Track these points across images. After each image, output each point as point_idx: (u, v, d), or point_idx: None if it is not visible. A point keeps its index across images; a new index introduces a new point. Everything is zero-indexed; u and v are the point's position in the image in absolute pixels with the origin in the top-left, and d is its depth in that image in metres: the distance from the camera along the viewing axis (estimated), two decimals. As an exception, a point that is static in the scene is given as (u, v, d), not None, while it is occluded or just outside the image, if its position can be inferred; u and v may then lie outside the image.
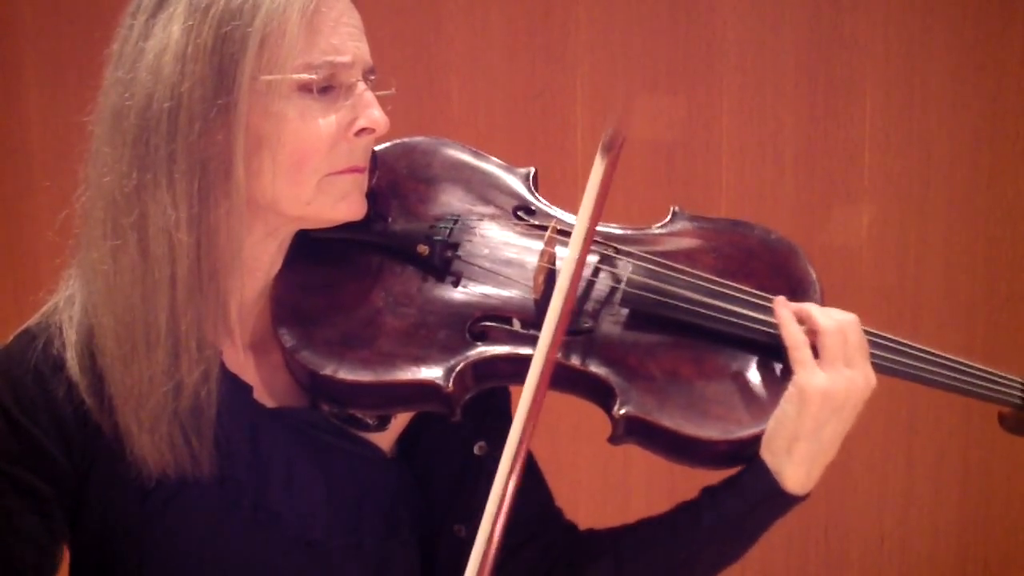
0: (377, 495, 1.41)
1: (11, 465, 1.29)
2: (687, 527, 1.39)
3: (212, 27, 1.25)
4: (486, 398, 1.40)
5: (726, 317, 1.38)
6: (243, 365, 1.39)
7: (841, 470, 2.83)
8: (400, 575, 1.43)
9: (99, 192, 1.29)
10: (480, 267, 1.42)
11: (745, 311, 1.38)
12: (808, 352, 1.32)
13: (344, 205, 1.35)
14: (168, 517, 1.30)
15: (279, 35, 1.26)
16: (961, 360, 1.42)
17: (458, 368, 1.34)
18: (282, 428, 1.38)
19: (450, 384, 1.32)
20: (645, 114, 2.81)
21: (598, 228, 1.40)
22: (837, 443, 1.33)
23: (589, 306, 1.40)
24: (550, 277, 1.40)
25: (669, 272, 1.41)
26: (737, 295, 1.39)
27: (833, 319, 1.34)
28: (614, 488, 2.88)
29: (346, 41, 1.31)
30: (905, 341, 1.41)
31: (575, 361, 1.36)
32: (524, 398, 1.26)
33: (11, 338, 1.35)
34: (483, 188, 1.50)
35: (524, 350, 1.35)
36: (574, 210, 1.50)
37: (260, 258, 1.37)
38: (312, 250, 1.41)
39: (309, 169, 1.30)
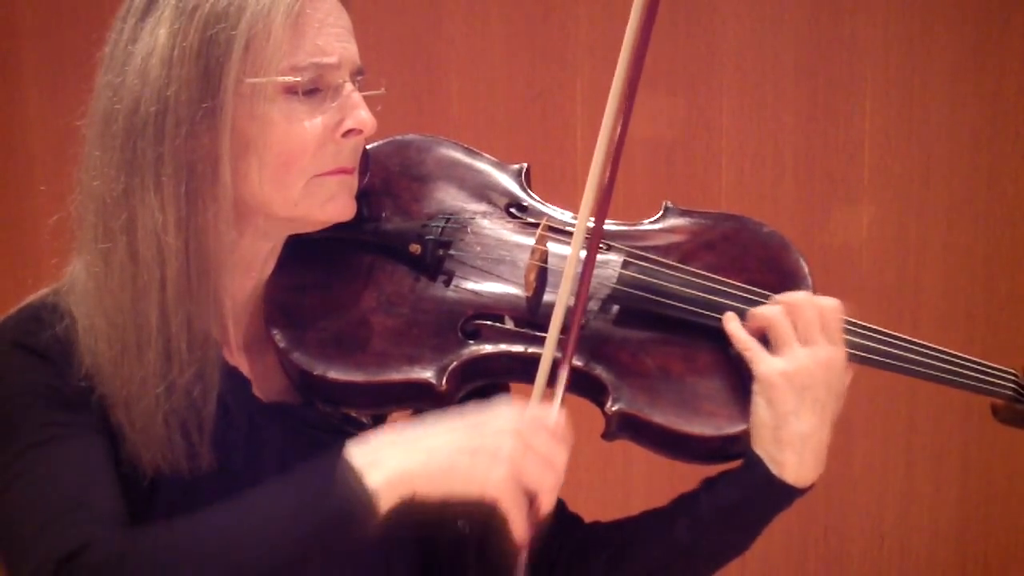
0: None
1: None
2: (685, 517, 1.40)
3: (198, 30, 1.25)
4: (485, 395, 1.41)
5: (717, 313, 1.38)
6: (239, 364, 1.39)
7: (841, 470, 2.84)
8: (398, 573, 1.44)
9: (90, 195, 1.30)
10: (472, 265, 1.43)
11: (737, 306, 1.38)
12: (755, 345, 1.35)
13: (332, 206, 1.34)
14: (162, 506, 1.30)
15: (264, 38, 1.26)
16: (951, 352, 1.42)
17: (451, 367, 1.34)
18: (279, 423, 1.38)
19: (443, 383, 1.33)
20: (645, 114, 2.81)
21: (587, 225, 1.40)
22: (825, 424, 1.34)
23: None
24: (541, 275, 1.41)
25: (660, 268, 1.41)
26: (728, 290, 1.40)
27: (777, 302, 1.36)
28: (614, 486, 2.89)
29: (332, 42, 1.31)
30: (890, 332, 1.42)
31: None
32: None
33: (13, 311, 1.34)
34: (475, 185, 1.50)
35: (516, 348, 1.36)
36: (570, 207, 1.51)
37: (253, 259, 1.37)
38: (304, 250, 1.41)
39: (296, 171, 1.30)
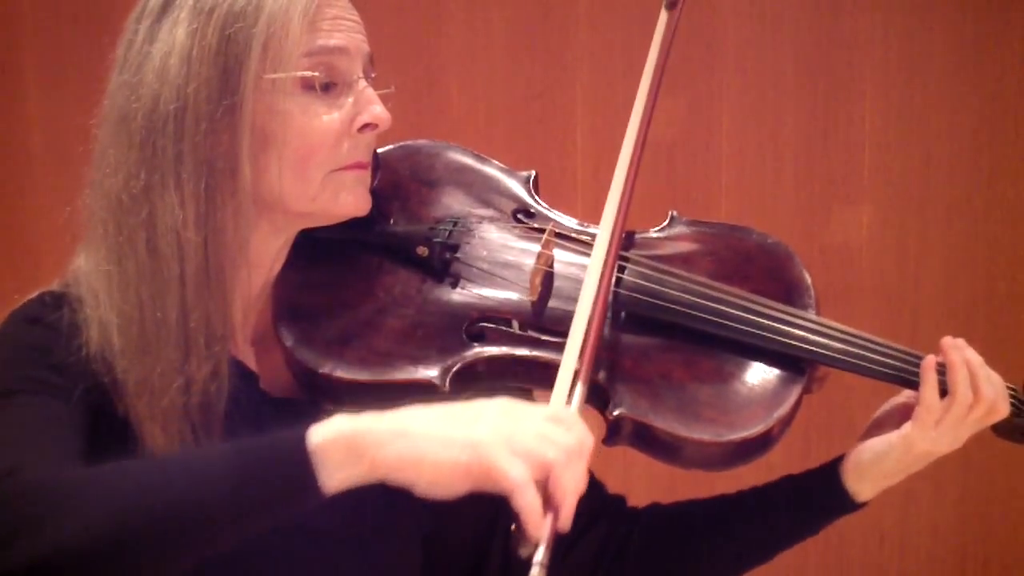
0: (378, 490, 1.42)
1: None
2: (760, 518, 1.53)
3: (216, 29, 1.28)
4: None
5: (721, 321, 1.39)
6: (246, 359, 1.41)
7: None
8: (401, 571, 1.44)
9: (104, 193, 1.31)
10: (478, 269, 1.44)
11: (740, 314, 1.39)
12: (934, 419, 1.40)
13: (350, 200, 1.36)
14: None
15: (282, 35, 1.28)
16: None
17: (455, 368, 1.35)
18: (285, 418, 1.38)
19: (446, 384, 1.33)
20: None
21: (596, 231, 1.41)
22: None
23: None
24: (547, 279, 1.42)
25: (665, 276, 1.42)
26: (732, 299, 1.40)
27: (990, 396, 1.41)
28: (614, 488, 2.89)
29: (346, 35, 1.34)
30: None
31: None
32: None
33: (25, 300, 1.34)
34: (483, 191, 1.52)
35: (521, 351, 1.37)
36: (570, 207, 1.52)
37: (265, 254, 1.39)
38: (313, 250, 1.42)
39: (314, 165, 1.32)
